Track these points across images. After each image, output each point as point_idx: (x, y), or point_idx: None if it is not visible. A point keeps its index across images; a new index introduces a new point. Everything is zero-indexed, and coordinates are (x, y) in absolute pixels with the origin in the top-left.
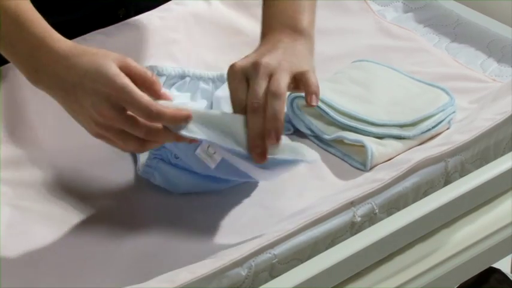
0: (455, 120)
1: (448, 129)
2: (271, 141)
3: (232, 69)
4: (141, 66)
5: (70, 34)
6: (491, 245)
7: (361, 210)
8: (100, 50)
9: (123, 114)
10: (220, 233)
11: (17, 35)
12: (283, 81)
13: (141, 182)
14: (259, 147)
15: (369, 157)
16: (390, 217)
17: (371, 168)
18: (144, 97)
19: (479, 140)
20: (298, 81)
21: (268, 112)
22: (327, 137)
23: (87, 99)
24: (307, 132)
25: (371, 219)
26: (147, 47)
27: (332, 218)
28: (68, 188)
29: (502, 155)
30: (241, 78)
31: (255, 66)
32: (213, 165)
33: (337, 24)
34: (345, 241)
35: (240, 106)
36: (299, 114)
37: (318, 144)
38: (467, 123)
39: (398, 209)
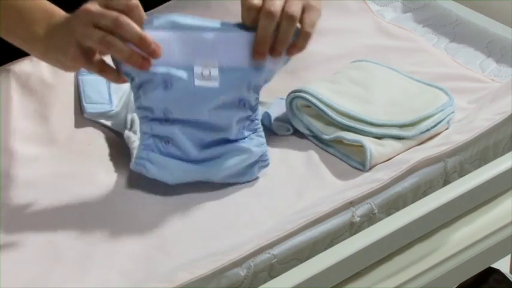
0: (454, 120)
1: (447, 129)
2: (275, 55)
3: None
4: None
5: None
6: (490, 245)
7: (360, 210)
8: None
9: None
10: (219, 233)
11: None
12: (298, 7)
13: (138, 182)
14: (261, 53)
15: (368, 157)
16: (389, 217)
17: (370, 169)
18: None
19: (478, 140)
20: (303, 12)
21: (280, 32)
22: (326, 137)
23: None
24: (307, 132)
25: (370, 219)
26: None
27: (331, 218)
28: (66, 189)
29: (501, 155)
30: None
31: None
32: (216, 83)
33: (336, 24)
34: (344, 241)
35: (254, 10)
36: (298, 114)
37: (317, 145)
38: (466, 123)
39: (398, 209)
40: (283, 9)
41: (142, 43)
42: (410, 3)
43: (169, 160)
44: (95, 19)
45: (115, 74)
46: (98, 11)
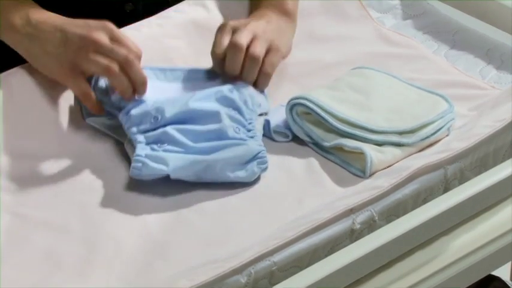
0: (454, 127)
1: (447, 136)
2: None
3: (222, 24)
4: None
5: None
6: (490, 252)
7: (361, 217)
8: None
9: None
10: (219, 240)
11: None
12: (262, 48)
13: (138, 188)
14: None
15: (368, 164)
16: (389, 224)
17: (370, 175)
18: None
19: (478, 147)
20: (266, 53)
21: (244, 70)
22: (326, 144)
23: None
24: (307, 139)
25: (370, 226)
26: (146, 54)
27: (332, 225)
28: (67, 195)
29: (501, 162)
30: (229, 31)
31: (244, 24)
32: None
33: (336, 31)
34: (344, 248)
35: (220, 49)
36: (298, 121)
37: (317, 151)
38: (466, 130)
39: (398, 216)
40: (248, 48)
41: (143, 86)
42: (411, 10)
43: (167, 153)
44: (104, 51)
45: (95, 103)
46: (109, 46)
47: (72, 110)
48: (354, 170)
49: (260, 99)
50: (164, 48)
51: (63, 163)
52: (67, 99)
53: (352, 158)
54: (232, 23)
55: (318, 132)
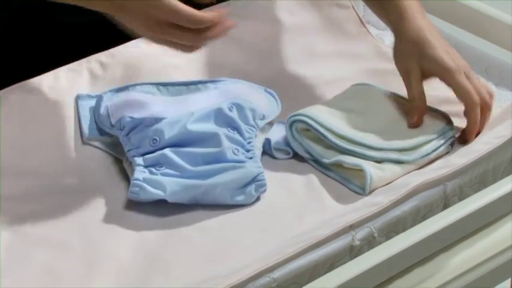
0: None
1: (447, 153)
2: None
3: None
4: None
5: (81, 35)
6: (490, 269)
7: (360, 233)
8: None
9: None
10: (219, 256)
11: None
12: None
13: (139, 205)
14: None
15: (368, 181)
16: (389, 241)
17: (370, 192)
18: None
19: (477, 163)
20: None
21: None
22: (325, 160)
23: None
24: (306, 156)
25: (370, 242)
26: (147, 71)
27: (331, 242)
28: (66, 212)
29: (501, 178)
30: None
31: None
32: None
33: (335, 48)
34: (344, 265)
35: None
36: (298, 137)
37: (317, 168)
38: (466, 147)
39: (397, 233)
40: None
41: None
42: None
43: (165, 178)
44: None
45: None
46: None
47: (71, 128)
48: (353, 187)
49: (264, 109)
50: (164, 66)
51: (63, 180)
52: (66, 117)
53: (351, 175)
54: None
55: (317, 149)
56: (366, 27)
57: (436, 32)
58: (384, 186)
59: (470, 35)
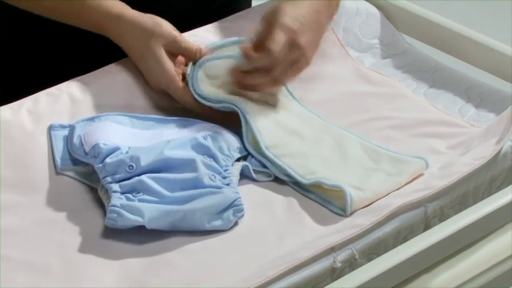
0: (434, 167)
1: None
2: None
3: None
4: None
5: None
6: None
7: (342, 255)
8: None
9: None
10: (200, 279)
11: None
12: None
13: (119, 230)
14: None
15: (349, 202)
16: (370, 262)
17: (351, 214)
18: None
19: (458, 185)
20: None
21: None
22: (305, 181)
23: None
24: (286, 178)
25: (351, 264)
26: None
27: (313, 264)
28: (47, 236)
29: (481, 199)
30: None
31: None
32: None
33: (315, 70)
34: (325, 287)
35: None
36: (274, 161)
37: (297, 190)
38: (446, 168)
39: (379, 254)
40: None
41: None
42: (390, 49)
43: (143, 204)
44: None
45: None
46: None
47: (46, 158)
48: (334, 209)
49: (238, 143)
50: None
51: (44, 204)
52: (46, 140)
53: (332, 196)
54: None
55: (296, 170)
56: (345, 50)
57: (314, 17)
58: (365, 207)
59: (451, 57)
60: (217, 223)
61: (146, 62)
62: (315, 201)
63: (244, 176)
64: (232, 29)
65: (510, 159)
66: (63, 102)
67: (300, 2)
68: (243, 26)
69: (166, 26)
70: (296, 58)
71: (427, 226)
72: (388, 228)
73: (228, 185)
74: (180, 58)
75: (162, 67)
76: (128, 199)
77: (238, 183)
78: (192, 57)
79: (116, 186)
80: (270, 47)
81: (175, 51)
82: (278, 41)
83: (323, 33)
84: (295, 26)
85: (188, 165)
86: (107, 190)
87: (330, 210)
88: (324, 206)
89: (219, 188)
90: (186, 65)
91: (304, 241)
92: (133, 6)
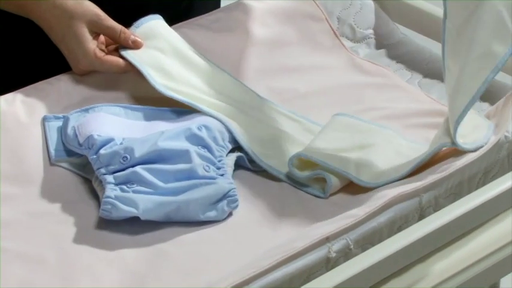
0: None
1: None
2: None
3: None
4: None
5: None
6: (466, 279)
7: (336, 245)
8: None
9: None
10: (195, 270)
11: None
12: None
13: (115, 220)
14: None
15: (329, 184)
16: (365, 252)
17: (331, 195)
18: None
19: (453, 175)
20: None
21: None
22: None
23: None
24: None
25: (346, 254)
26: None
27: (307, 254)
28: (42, 227)
29: (476, 189)
30: None
31: None
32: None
33: (310, 60)
34: (320, 277)
35: None
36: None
37: (290, 183)
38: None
39: (373, 244)
40: None
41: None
42: (384, 39)
43: (137, 195)
44: None
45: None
46: None
47: (39, 147)
48: (313, 191)
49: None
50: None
51: (38, 196)
52: (41, 131)
53: (311, 179)
54: None
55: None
56: (339, 40)
57: None
58: (359, 197)
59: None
60: (211, 214)
61: (68, 44)
62: (295, 187)
63: (239, 166)
64: (225, 20)
65: (505, 149)
66: (57, 93)
67: None
68: (238, 17)
69: (88, 4)
70: None
71: (421, 216)
72: (382, 218)
73: (222, 175)
74: (102, 38)
75: (84, 48)
76: (122, 190)
77: (233, 174)
78: (116, 37)
79: (110, 178)
80: None
81: (98, 30)
82: None
83: None
84: None
85: (182, 156)
86: (101, 181)
87: (312, 194)
88: (302, 190)
89: (213, 178)
90: (108, 45)
91: (299, 231)
92: (101, 6)
